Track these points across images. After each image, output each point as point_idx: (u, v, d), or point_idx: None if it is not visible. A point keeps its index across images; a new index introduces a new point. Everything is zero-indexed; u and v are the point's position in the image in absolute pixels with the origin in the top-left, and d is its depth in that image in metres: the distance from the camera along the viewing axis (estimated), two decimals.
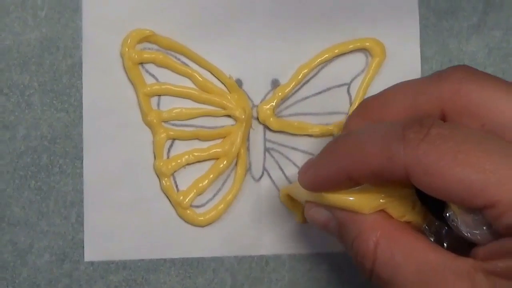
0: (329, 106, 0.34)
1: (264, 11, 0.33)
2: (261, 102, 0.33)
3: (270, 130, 0.33)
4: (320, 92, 0.34)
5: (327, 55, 0.34)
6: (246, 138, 0.33)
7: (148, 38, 0.32)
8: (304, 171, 0.26)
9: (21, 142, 0.32)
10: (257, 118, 0.33)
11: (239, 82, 0.33)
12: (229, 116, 0.33)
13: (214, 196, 0.33)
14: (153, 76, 0.33)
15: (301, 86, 0.34)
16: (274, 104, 0.33)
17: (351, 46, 0.34)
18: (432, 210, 0.26)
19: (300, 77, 0.33)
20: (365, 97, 0.33)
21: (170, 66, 0.33)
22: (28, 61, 0.32)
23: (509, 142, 0.23)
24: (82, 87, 0.32)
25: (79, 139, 0.32)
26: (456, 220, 0.23)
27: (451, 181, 0.22)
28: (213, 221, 0.33)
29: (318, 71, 0.34)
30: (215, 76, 0.33)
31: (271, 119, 0.33)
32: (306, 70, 0.34)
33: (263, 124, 0.33)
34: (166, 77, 0.33)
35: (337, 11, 0.34)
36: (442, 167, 0.22)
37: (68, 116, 0.32)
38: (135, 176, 0.32)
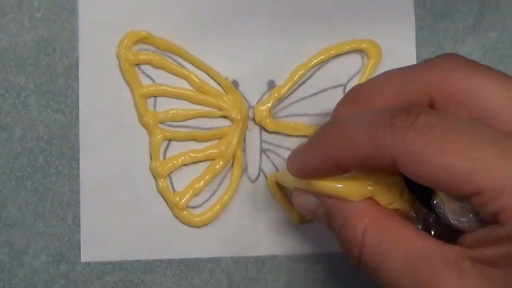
0: (325, 107, 0.34)
1: (260, 12, 0.33)
2: (257, 103, 0.34)
3: (266, 131, 0.34)
4: (316, 93, 0.34)
5: (323, 56, 0.34)
6: (242, 139, 0.33)
7: (144, 40, 0.32)
8: (292, 158, 0.26)
9: (18, 143, 0.32)
10: (253, 119, 0.33)
11: (235, 83, 0.33)
12: (225, 117, 0.33)
13: (210, 197, 0.33)
14: (149, 77, 0.33)
15: (297, 87, 0.34)
16: (270, 105, 0.33)
17: (347, 47, 0.34)
18: (420, 197, 0.26)
19: (296, 78, 0.34)
20: None
21: (166, 67, 0.33)
22: (24, 62, 0.32)
23: (496, 130, 0.23)
24: (78, 88, 0.32)
25: (76, 140, 0.32)
26: (443, 207, 0.24)
27: (438, 169, 0.22)
28: (209, 222, 0.33)
29: (314, 72, 0.34)
30: (211, 77, 0.33)
31: (267, 120, 0.33)
32: (302, 71, 0.34)
33: (259, 125, 0.34)
34: (162, 78, 0.33)
35: (333, 12, 0.34)
36: (429, 154, 0.22)
37: (64, 117, 0.32)
38: (131, 177, 0.32)
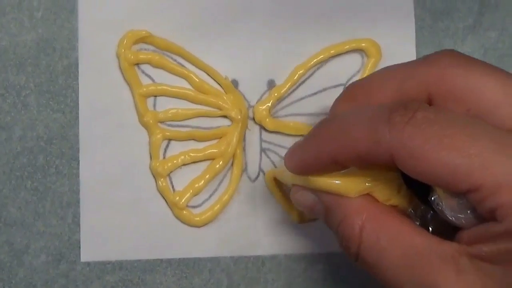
0: (325, 106, 0.34)
1: (260, 12, 0.33)
2: (257, 102, 0.34)
3: (266, 130, 0.34)
4: (316, 93, 0.34)
5: (323, 56, 0.34)
6: (242, 139, 0.33)
7: (144, 39, 0.32)
8: (290, 154, 0.26)
9: (17, 143, 0.32)
10: (253, 119, 0.33)
11: (235, 83, 0.33)
12: (225, 116, 0.33)
13: (210, 196, 0.33)
14: (149, 76, 0.33)
15: (297, 87, 0.34)
16: (270, 104, 0.33)
17: (347, 47, 0.34)
18: (418, 194, 0.26)
19: (296, 77, 0.34)
20: None
21: (166, 67, 0.33)
22: (24, 62, 0.32)
23: (494, 127, 0.23)
24: (78, 88, 0.32)
25: (75, 139, 0.32)
26: (441, 204, 0.24)
27: (436, 165, 0.22)
28: (209, 221, 0.33)
29: (314, 72, 0.34)
30: (211, 77, 0.33)
31: (267, 119, 0.33)
32: (302, 71, 0.34)
33: (259, 125, 0.34)
34: (162, 77, 0.33)
35: (333, 12, 0.34)
36: (427, 150, 0.22)
37: (64, 117, 0.32)
38: (131, 176, 0.32)
